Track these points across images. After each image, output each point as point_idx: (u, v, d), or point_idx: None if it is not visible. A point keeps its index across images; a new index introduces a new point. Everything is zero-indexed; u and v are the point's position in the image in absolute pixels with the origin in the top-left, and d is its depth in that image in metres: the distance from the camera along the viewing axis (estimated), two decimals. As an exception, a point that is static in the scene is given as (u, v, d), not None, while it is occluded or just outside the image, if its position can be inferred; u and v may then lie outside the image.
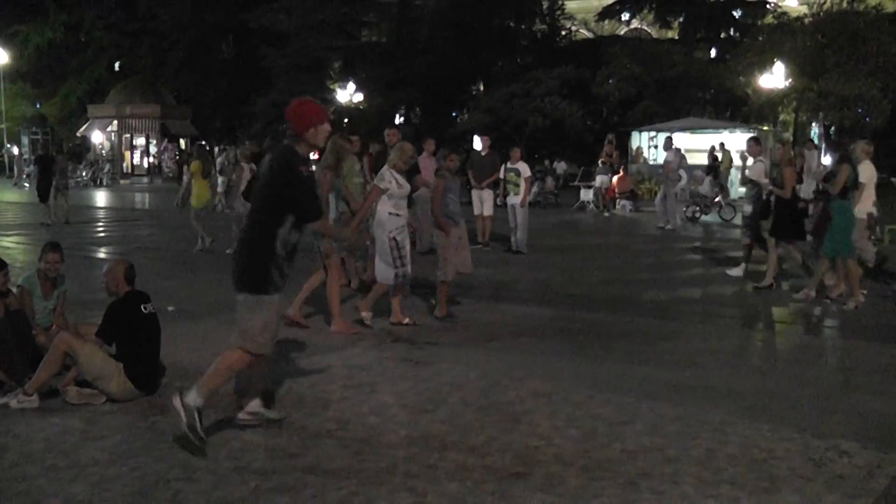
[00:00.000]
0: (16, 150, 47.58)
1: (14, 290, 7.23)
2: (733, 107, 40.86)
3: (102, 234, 18.96)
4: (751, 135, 16.42)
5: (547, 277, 12.88)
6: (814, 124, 35.44)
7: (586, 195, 26.11)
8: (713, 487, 4.81)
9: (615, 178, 25.47)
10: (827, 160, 22.74)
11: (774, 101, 36.54)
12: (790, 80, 34.66)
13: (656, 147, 32.57)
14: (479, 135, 23.75)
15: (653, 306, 10.63)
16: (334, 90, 48.94)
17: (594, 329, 9.40)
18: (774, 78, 34.17)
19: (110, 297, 6.64)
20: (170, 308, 9.45)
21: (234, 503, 4.59)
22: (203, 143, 23.49)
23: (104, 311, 6.57)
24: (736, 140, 30.50)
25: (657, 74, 37.95)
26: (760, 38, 38.16)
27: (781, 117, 40.59)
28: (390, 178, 8.94)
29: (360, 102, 47.06)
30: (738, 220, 18.94)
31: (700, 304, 10.86)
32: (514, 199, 15.39)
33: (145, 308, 6.54)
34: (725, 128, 32.57)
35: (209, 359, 7.53)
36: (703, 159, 28.73)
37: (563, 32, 51.05)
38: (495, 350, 8.19)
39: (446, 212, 9.51)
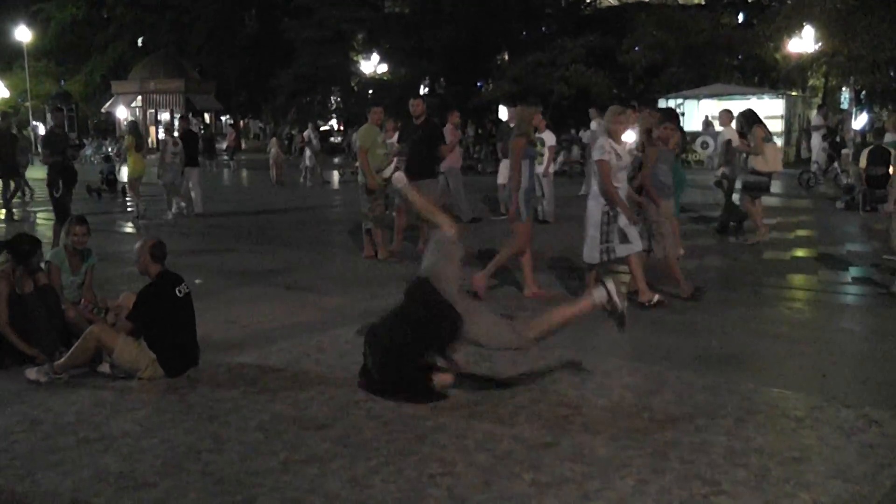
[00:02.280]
0: (42, 128, 47.92)
1: (42, 265, 7.29)
2: (761, 73, 40.37)
3: (130, 209, 19.06)
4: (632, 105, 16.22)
5: (573, 246, 12.78)
6: (844, 89, 34.97)
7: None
8: (742, 457, 4.79)
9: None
10: (858, 125, 22.43)
11: (803, 65, 36.06)
12: (819, 44, 34.15)
13: (683, 114, 32.28)
14: (506, 105, 23.62)
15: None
16: (358, 62, 48.83)
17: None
18: (803, 42, 33.68)
19: (142, 275, 6.64)
20: (197, 281, 9.49)
21: (264, 474, 4.62)
22: (134, 120, 24.33)
23: (136, 295, 6.58)
24: (765, 106, 30.12)
25: (683, 41, 37.50)
26: (789, 2, 37.59)
27: (811, 82, 40.05)
28: (609, 149, 8.30)
29: (384, 73, 46.93)
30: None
31: (725, 272, 10.78)
32: (538, 169, 15.31)
33: (179, 291, 6.47)
34: (754, 94, 32.18)
35: (237, 331, 7.65)
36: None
37: (588, 0, 50.57)
38: (522, 320, 8.16)
39: (656, 183, 9.05)
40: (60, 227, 11.88)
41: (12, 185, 18.54)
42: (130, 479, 4.59)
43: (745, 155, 12.98)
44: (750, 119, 12.91)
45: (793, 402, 5.73)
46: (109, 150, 42.04)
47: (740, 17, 45.64)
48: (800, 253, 12.29)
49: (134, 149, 17.67)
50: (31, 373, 6.26)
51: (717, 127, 29.75)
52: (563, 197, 17.04)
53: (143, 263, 6.51)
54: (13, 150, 18.54)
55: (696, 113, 31.98)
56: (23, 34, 45.56)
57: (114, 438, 5.18)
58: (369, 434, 5.16)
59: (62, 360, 6.29)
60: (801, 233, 14.30)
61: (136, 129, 19.34)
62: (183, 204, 17.44)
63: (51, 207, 18.24)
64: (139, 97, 50.07)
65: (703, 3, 47.19)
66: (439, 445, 4.97)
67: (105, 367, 6.38)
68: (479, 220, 15.41)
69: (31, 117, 47.85)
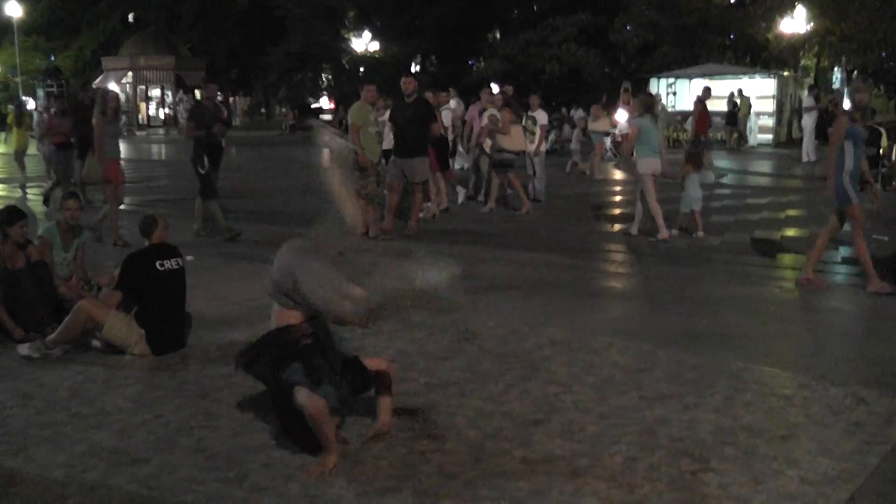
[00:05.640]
0: (32, 103, 47.59)
1: (35, 241, 7.29)
2: (753, 52, 40.27)
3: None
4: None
5: (565, 225, 12.86)
6: (836, 69, 34.95)
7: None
8: (730, 434, 4.83)
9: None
10: (849, 105, 22.39)
11: (795, 45, 36.00)
12: (811, 24, 34.10)
13: (675, 94, 32.24)
14: (503, 84, 23.53)
15: (671, 254, 10.60)
16: (349, 39, 48.59)
17: (612, 276, 9.39)
18: (795, 22, 33.63)
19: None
20: (189, 258, 9.46)
21: (255, 450, 4.65)
22: (21, 101, 25.26)
23: (121, 263, 6.59)
24: (756, 86, 30.09)
25: (676, 20, 37.38)
26: (781, -18, 37.51)
27: (803, 62, 40.01)
28: None
29: (375, 51, 46.73)
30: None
31: (718, 251, 10.83)
32: (530, 148, 15.32)
33: (161, 265, 6.41)
34: (745, 73, 32.14)
35: (229, 308, 7.67)
36: (722, 106, 28.41)
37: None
38: (513, 298, 8.21)
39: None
40: (205, 204, 11.45)
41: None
42: (123, 455, 4.61)
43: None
44: (505, 102, 14.38)
45: (781, 381, 5.78)
46: None
47: (732, -3, 45.53)
48: (790, 232, 12.35)
49: (16, 124, 19.29)
50: (24, 348, 6.27)
51: (708, 107, 29.89)
52: (554, 177, 17.05)
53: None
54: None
55: (687, 93, 31.93)
56: (13, 9, 45.13)
57: (106, 414, 5.20)
58: (360, 411, 5.16)
59: (54, 335, 6.30)
60: (791, 212, 14.35)
61: (20, 106, 21.03)
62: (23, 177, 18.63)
63: (41, 185, 18.26)
64: (129, 73, 49.77)
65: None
66: (430, 422, 5.01)
67: (97, 343, 6.40)
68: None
69: (20, 92, 47.50)
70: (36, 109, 21.46)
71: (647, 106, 11.82)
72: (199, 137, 11.35)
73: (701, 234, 11.56)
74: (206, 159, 11.29)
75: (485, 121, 14.21)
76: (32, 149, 19.80)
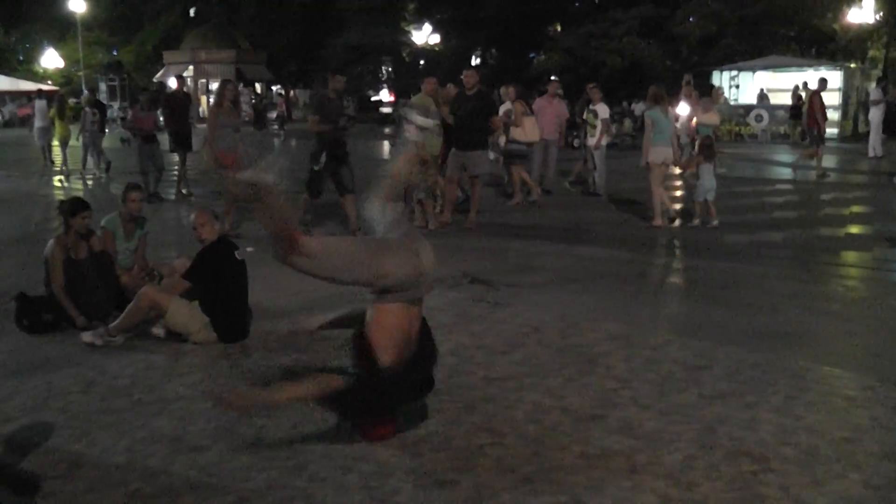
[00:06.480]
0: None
1: (98, 231, 7.42)
2: (819, 44, 39.52)
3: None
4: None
5: (625, 220, 12.75)
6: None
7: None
8: (792, 435, 4.75)
9: (693, 120, 24.94)
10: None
11: (863, 36, 35.26)
12: (880, 13, 33.35)
13: (737, 87, 31.76)
14: (558, 76, 23.40)
15: (732, 250, 10.45)
16: (409, 32, 48.70)
17: (673, 273, 9.27)
18: (863, 12, 32.90)
19: (200, 243, 6.74)
20: (248, 249, 9.57)
21: (315, 440, 4.68)
22: (62, 94, 25.53)
23: (195, 255, 6.66)
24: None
25: (739, 11, 36.83)
26: (848, -30, 36.73)
27: (870, 54, 39.14)
28: None
29: (435, 44, 46.78)
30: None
31: (781, 248, 10.66)
32: (590, 141, 15.24)
33: (239, 254, 6.61)
34: (810, 66, 31.51)
35: (288, 299, 7.74)
36: (786, 99, 27.91)
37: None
38: (573, 292, 8.16)
39: None
40: (309, 202, 11.02)
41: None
42: (183, 442, 4.68)
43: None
44: (517, 95, 14.62)
45: (845, 381, 5.66)
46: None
47: (797, -13, 44.65)
48: (854, 229, 12.10)
49: (58, 117, 20.86)
50: (87, 335, 6.40)
51: (771, 100, 29.46)
52: (614, 170, 16.91)
53: (204, 231, 6.63)
54: (187, 116, 16.61)
55: (750, 85, 31.45)
56: (76, 4, 46.06)
57: (167, 401, 5.28)
58: (418, 403, 5.19)
59: (116, 322, 6.42)
60: (855, 209, 14.06)
61: (63, 102, 21.99)
62: (103, 164, 19.63)
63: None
64: (190, 67, 50.35)
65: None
66: (489, 416, 5.00)
67: (159, 330, 6.50)
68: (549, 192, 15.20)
69: (83, 86, 48.48)
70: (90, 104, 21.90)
71: (657, 98, 12.25)
72: (324, 133, 10.86)
73: (716, 222, 11.86)
74: (323, 156, 10.77)
75: (506, 109, 14.28)
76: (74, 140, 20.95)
